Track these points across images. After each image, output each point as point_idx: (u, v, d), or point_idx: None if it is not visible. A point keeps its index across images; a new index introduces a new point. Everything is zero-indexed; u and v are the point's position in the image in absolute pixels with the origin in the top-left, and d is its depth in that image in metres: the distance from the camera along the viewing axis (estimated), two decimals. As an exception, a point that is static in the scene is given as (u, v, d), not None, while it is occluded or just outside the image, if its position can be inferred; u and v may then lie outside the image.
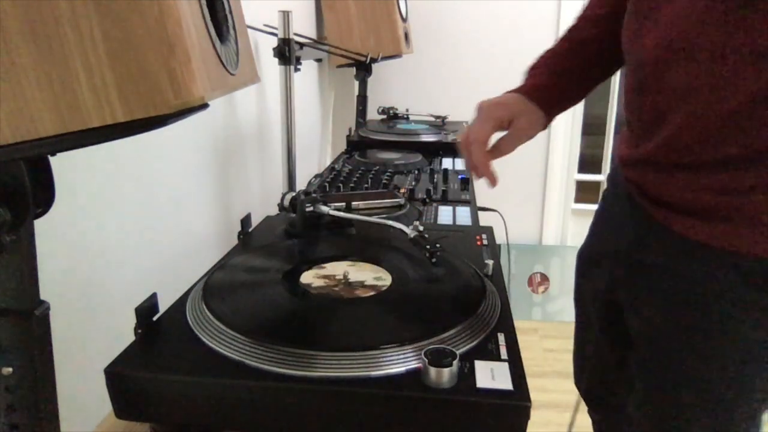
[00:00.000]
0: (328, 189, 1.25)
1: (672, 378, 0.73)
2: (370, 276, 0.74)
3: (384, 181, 1.30)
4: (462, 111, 1.76)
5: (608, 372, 0.96)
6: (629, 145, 0.77)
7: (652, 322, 0.74)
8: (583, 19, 0.86)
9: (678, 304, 0.70)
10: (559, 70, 0.84)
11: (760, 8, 0.57)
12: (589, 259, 0.93)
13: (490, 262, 0.77)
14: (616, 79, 2.47)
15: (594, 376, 1.01)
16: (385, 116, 2.07)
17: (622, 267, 0.80)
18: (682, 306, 0.70)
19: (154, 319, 0.63)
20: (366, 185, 1.27)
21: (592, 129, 2.63)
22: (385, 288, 0.71)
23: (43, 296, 0.46)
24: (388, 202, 1.09)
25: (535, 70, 0.85)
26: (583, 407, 1.13)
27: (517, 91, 0.82)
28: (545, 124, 0.83)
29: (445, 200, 1.21)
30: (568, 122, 2.54)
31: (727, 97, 0.60)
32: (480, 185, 1.52)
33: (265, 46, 1.37)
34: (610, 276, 0.84)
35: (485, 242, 0.90)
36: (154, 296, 0.63)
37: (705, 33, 0.60)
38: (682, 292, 0.70)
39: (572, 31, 0.86)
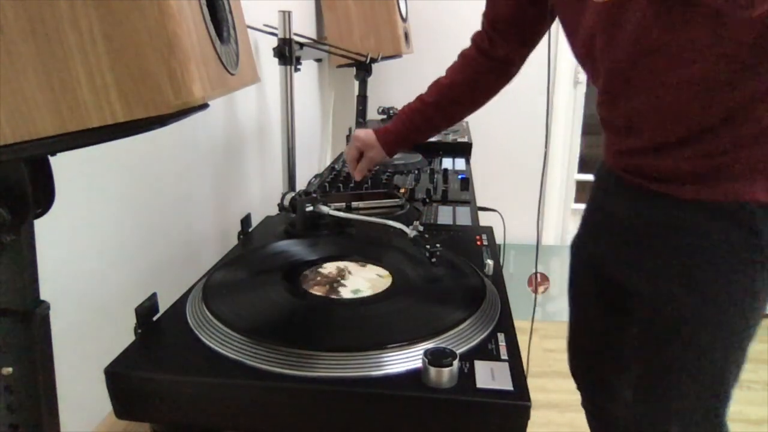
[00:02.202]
0: (328, 189, 1.25)
1: (671, 325, 0.81)
2: (370, 276, 0.74)
3: (384, 181, 1.30)
4: (462, 111, 1.76)
5: (605, 349, 1.05)
6: (617, 141, 0.88)
7: (657, 275, 0.82)
8: (433, 85, 1.15)
9: (685, 256, 0.79)
10: (405, 120, 1.16)
11: (696, 11, 0.69)
12: (583, 242, 1.02)
13: (490, 262, 0.77)
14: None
15: (591, 356, 1.10)
16: (385, 116, 2.07)
17: (622, 241, 0.89)
18: (688, 257, 0.79)
19: (154, 319, 0.63)
20: (366, 185, 1.27)
21: (592, 129, 2.63)
22: (385, 288, 0.71)
23: (43, 296, 0.46)
24: (388, 202, 1.09)
25: (396, 117, 1.18)
26: (580, 407, 1.14)
27: (377, 130, 1.18)
28: (389, 155, 1.18)
29: (445, 200, 1.21)
30: (568, 122, 2.54)
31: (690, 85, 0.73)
32: (480, 185, 1.52)
33: (265, 46, 1.37)
34: (609, 253, 0.93)
35: (485, 242, 0.90)
36: (154, 296, 0.63)
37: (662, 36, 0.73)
38: (687, 246, 0.78)
39: (426, 93, 1.16)
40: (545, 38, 1.05)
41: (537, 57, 1.16)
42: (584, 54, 0.87)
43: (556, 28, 0.99)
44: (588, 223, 1.02)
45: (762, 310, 0.79)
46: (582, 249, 1.04)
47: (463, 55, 1.14)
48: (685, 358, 0.81)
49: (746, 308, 0.78)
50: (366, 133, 1.17)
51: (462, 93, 1.13)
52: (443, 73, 1.18)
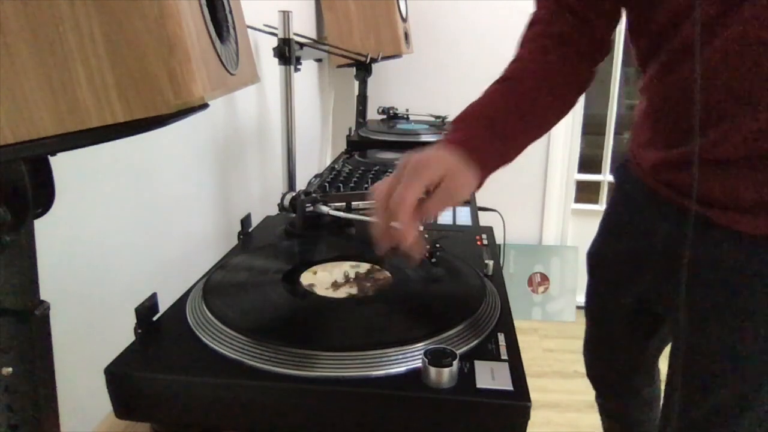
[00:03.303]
0: (328, 189, 1.25)
1: (719, 359, 0.73)
2: (369, 276, 0.74)
3: (384, 181, 1.30)
4: (462, 111, 1.76)
5: (626, 361, 1.03)
6: (665, 147, 0.76)
7: (703, 312, 0.73)
8: (521, 67, 0.79)
9: (736, 295, 0.70)
10: (495, 121, 0.73)
11: None
12: (605, 259, 0.96)
13: (490, 262, 0.77)
14: (616, 79, 2.47)
15: (611, 366, 1.07)
16: (385, 116, 2.07)
17: (658, 264, 0.82)
18: (741, 297, 0.70)
19: (154, 319, 0.63)
20: (366, 185, 1.27)
21: (592, 129, 2.63)
22: (385, 288, 0.70)
23: (43, 296, 0.46)
24: (388, 202, 1.08)
25: (465, 122, 0.73)
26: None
27: (448, 144, 0.69)
28: (478, 185, 0.70)
29: (445, 200, 1.21)
30: (568, 122, 2.54)
31: None
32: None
33: (265, 46, 1.37)
34: (639, 273, 0.86)
35: (485, 242, 0.90)
36: (154, 296, 0.63)
37: None
38: (739, 284, 0.70)
39: (507, 79, 0.78)
40: None
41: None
42: (652, 31, 0.71)
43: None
44: (609, 235, 0.93)
45: None
46: (603, 262, 0.96)
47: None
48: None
49: None
50: (434, 155, 0.66)
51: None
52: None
